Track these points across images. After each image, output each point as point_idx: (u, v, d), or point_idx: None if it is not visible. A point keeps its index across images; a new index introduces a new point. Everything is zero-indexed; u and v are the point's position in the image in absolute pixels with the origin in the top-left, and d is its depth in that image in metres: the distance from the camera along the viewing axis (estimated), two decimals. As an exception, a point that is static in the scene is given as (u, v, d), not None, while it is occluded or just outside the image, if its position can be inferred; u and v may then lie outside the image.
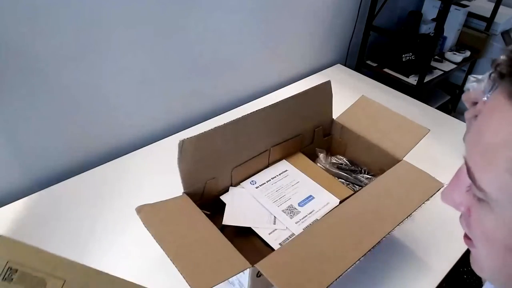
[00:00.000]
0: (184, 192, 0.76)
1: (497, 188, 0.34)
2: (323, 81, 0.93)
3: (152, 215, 0.69)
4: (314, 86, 0.91)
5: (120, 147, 1.10)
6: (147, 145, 1.12)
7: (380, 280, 0.81)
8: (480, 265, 0.40)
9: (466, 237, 0.41)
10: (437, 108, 1.60)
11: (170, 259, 0.61)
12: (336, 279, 0.62)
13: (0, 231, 0.84)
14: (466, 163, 0.37)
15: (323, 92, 0.94)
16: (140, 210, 0.69)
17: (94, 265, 0.79)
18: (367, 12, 1.63)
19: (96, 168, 1.02)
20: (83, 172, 1.01)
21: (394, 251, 0.87)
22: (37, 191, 0.94)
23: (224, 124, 0.77)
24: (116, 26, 0.94)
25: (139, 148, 1.11)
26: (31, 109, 0.89)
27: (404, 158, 0.86)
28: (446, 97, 2.08)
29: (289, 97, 0.87)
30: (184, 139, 0.70)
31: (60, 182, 0.97)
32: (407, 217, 0.74)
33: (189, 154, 0.72)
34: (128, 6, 0.93)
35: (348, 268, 0.64)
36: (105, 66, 0.97)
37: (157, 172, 1.01)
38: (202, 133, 0.73)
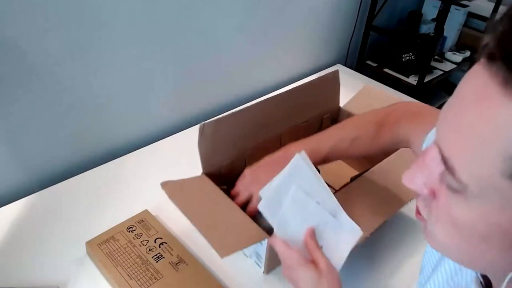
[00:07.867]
0: (203, 173, 0.79)
1: (484, 185, 0.30)
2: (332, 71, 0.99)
3: (176, 190, 0.72)
4: (323, 75, 0.97)
5: (120, 147, 1.10)
6: (147, 144, 1.12)
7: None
8: (437, 241, 0.37)
9: (419, 213, 0.39)
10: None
11: (197, 228, 0.65)
12: None
13: (0, 231, 0.84)
14: (440, 151, 0.33)
15: (331, 81, 1.00)
16: (165, 184, 0.72)
17: (94, 265, 0.78)
18: (367, 12, 1.63)
19: (96, 168, 1.02)
20: (83, 172, 1.01)
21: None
22: (37, 191, 0.94)
23: (241, 109, 0.82)
24: (116, 23, 0.94)
25: (139, 148, 1.10)
26: (31, 109, 0.89)
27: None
28: (446, 97, 2.08)
29: (299, 85, 0.92)
30: (204, 122, 0.75)
31: (60, 182, 0.97)
32: (411, 199, 0.77)
33: (208, 136, 0.77)
34: (128, 3, 0.93)
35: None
36: (106, 65, 0.97)
37: (157, 172, 1.00)
38: (220, 116, 0.78)
